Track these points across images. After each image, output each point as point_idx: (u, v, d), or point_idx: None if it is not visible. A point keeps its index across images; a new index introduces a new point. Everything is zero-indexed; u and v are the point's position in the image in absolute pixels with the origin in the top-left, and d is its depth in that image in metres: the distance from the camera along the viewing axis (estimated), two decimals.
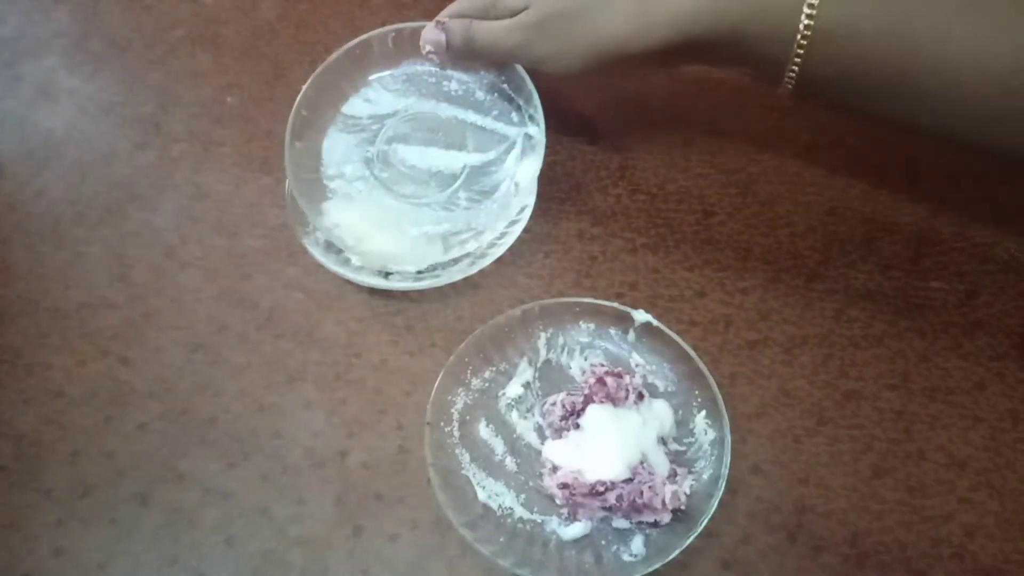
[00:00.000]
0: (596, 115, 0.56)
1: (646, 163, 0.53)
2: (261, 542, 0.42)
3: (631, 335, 0.45)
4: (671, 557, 0.38)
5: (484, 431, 0.44)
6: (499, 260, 0.48)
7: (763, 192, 0.51)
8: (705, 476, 0.41)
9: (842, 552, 0.40)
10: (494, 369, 0.46)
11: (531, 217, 0.49)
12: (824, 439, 0.43)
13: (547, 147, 0.54)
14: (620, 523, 0.40)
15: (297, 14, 0.62)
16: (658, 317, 0.44)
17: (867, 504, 0.41)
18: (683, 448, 0.43)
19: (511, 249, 0.48)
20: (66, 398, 0.47)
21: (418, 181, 0.50)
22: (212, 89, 0.58)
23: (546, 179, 0.52)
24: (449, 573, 0.41)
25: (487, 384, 0.45)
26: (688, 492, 0.40)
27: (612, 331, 0.45)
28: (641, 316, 0.44)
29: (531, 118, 0.49)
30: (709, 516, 0.39)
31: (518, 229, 0.48)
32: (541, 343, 0.46)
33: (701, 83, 0.56)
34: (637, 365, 0.44)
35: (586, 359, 0.45)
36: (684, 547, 0.38)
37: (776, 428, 0.44)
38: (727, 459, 0.40)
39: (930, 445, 0.43)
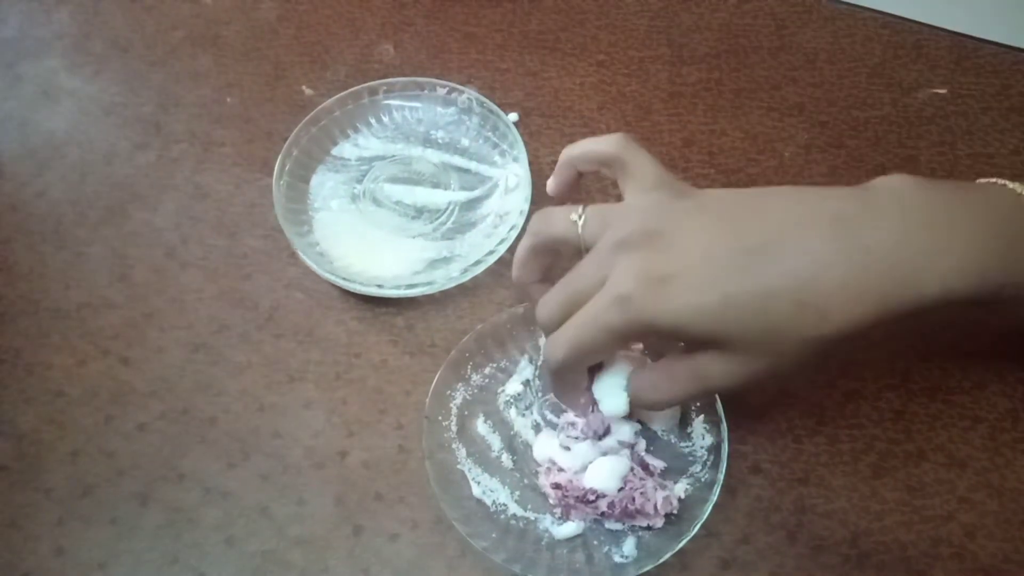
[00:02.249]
0: None
1: None
2: (261, 542, 0.42)
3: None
4: (662, 560, 0.38)
5: (482, 427, 0.44)
6: (500, 260, 0.48)
7: None
8: (701, 480, 0.41)
9: (842, 552, 0.40)
10: (494, 366, 0.46)
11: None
12: (824, 439, 0.43)
13: (547, 147, 0.54)
14: (613, 525, 0.41)
15: (298, 15, 0.62)
16: None
17: (867, 504, 0.41)
18: (681, 451, 0.43)
19: (511, 249, 0.48)
20: (66, 398, 0.47)
21: (404, 215, 0.51)
22: (213, 89, 0.58)
23: (546, 179, 0.52)
24: (449, 573, 0.41)
25: (487, 380, 0.45)
26: (683, 496, 0.40)
27: None
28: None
29: (515, 159, 0.51)
30: (702, 521, 0.39)
31: (503, 249, 0.48)
32: (542, 342, 0.46)
33: (701, 83, 0.56)
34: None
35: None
36: (676, 550, 0.38)
37: (776, 428, 0.44)
38: (723, 465, 0.40)
39: (930, 445, 0.43)
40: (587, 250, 0.35)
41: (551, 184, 0.40)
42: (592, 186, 0.52)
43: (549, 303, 0.36)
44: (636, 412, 0.42)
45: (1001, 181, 0.35)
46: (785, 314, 0.31)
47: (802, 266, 0.31)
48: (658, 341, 0.40)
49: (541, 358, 0.45)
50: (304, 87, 0.58)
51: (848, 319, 0.31)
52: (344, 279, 0.47)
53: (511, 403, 0.45)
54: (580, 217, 0.35)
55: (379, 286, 0.47)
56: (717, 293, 0.31)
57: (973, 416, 0.43)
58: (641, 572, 0.38)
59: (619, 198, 0.51)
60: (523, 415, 0.44)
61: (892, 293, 0.31)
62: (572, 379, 0.38)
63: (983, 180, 0.36)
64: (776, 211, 0.33)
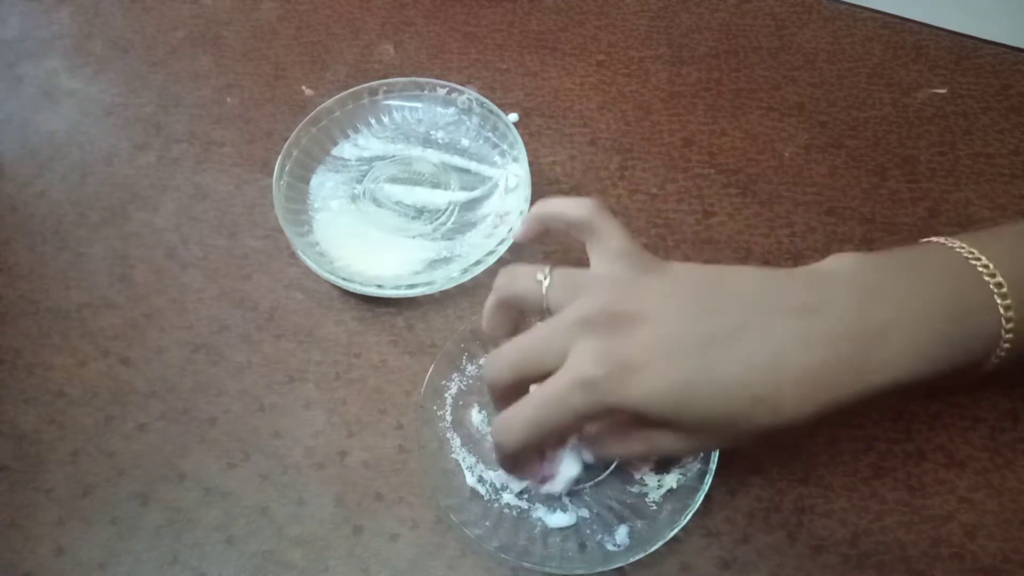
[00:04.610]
0: None
1: (646, 163, 0.53)
2: (261, 542, 0.42)
3: None
4: (654, 548, 0.38)
5: (476, 417, 0.44)
6: (500, 260, 0.48)
7: (763, 192, 0.51)
8: (694, 470, 0.41)
9: (842, 552, 0.40)
10: None
11: None
12: (824, 439, 0.43)
13: (547, 147, 0.54)
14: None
15: (298, 15, 0.62)
16: None
17: (867, 504, 0.41)
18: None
19: (511, 249, 0.48)
20: (67, 398, 0.47)
21: (404, 216, 0.51)
22: (213, 90, 0.58)
23: (546, 179, 0.52)
24: (449, 572, 0.41)
25: (482, 370, 0.45)
26: (675, 487, 0.41)
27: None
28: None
29: (515, 160, 0.51)
30: (694, 509, 0.39)
31: (503, 249, 0.48)
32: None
33: (701, 83, 0.56)
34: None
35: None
36: (668, 539, 0.38)
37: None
38: (716, 454, 0.40)
39: (930, 445, 0.43)
40: (550, 313, 0.35)
41: (519, 234, 0.40)
42: (592, 186, 0.52)
43: (500, 362, 0.35)
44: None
45: (946, 242, 0.36)
46: (740, 407, 0.32)
47: (761, 359, 0.32)
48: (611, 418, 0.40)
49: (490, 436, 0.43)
50: (304, 87, 0.58)
51: (799, 413, 0.32)
52: (344, 279, 0.47)
53: None
54: (546, 279, 0.36)
55: (379, 286, 0.47)
56: (679, 384, 0.32)
57: (973, 416, 0.43)
58: (633, 560, 0.39)
59: (619, 198, 0.51)
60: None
61: (843, 386, 0.33)
62: (520, 463, 0.37)
63: (925, 241, 0.37)
64: (739, 297, 0.34)
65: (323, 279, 0.48)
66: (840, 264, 0.35)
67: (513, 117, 0.55)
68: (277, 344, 0.48)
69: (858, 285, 0.34)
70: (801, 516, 0.41)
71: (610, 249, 0.36)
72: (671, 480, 0.41)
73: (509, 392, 0.35)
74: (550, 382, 0.33)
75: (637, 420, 0.35)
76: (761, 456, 0.43)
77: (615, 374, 0.32)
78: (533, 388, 0.36)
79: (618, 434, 0.37)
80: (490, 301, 0.38)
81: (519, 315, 0.38)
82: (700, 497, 0.39)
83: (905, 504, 0.41)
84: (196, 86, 0.59)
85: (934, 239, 0.37)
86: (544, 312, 0.36)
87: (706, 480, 0.39)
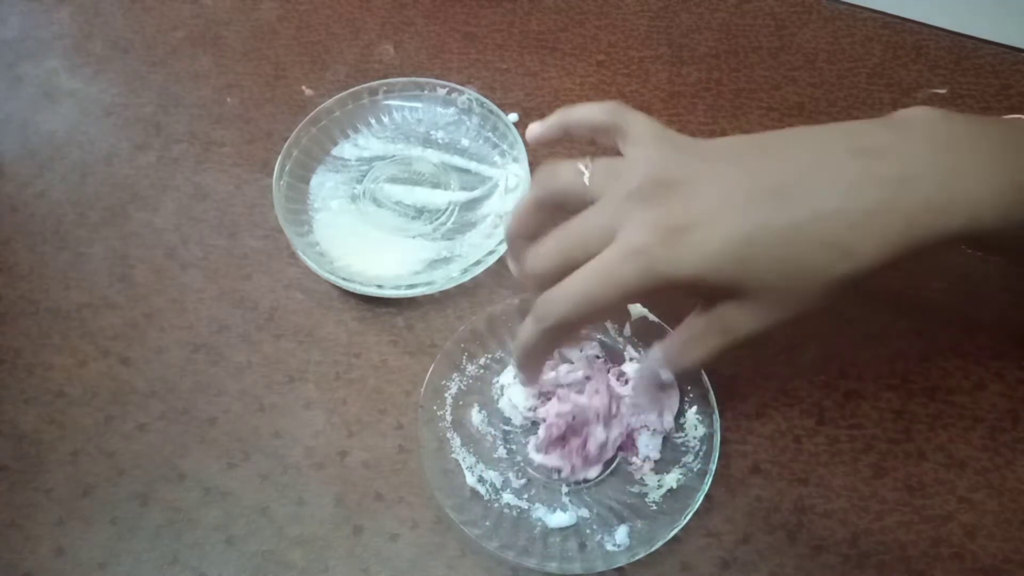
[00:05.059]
0: None
1: None
2: (261, 542, 0.42)
3: (627, 329, 0.45)
4: (654, 548, 0.38)
5: (476, 416, 0.44)
6: (500, 260, 0.48)
7: None
8: (694, 471, 0.41)
9: (842, 552, 0.40)
10: (489, 356, 0.46)
11: None
12: (824, 439, 0.43)
13: (547, 147, 0.54)
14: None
15: (298, 15, 0.62)
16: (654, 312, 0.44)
17: (867, 504, 0.41)
18: (674, 442, 0.43)
19: None
20: (67, 398, 0.47)
21: (404, 216, 0.51)
22: (213, 90, 0.58)
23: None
24: (449, 572, 0.41)
25: (482, 371, 0.45)
26: (675, 486, 0.41)
27: (608, 324, 0.45)
28: (637, 310, 0.44)
29: (515, 160, 0.51)
30: (694, 509, 0.39)
31: (503, 249, 0.48)
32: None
33: (701, 83, 0.56)
34: (631, 359, 0.45)
35: (581, 350, 0.45)
36: (668, 538, 0.39)
37: (776, 428, 0.44)
38: (715, 455, 0.40)
39: (930, 445, 0.43)
40: (594, 203, 0.33)
41: (536, 128, 0.38)
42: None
43: (546, 253, 0.33)
44: (645, 399, 0.41)
45: None
46: (810, 254, 0.30)
47: (825, 202, 0.30)
48: (670, 298, 0.35)
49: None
50: (304, 87, 0.58)
51: (874, 253, 0.30)
52: (344, 279, 0.47)
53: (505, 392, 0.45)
54: (587, 169, 0.33)
55: (379, 286, 0.47)
56: (738, 238, 0.30)
57: (973, 416, 0.43)
58: (633, 560, 0.39)
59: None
60: (517, 405, 0.44)
61: (918, 223, 0.30)
62: (550, 346, 0.35)
63: (1009, 116, 0.35)
64: (794, 149, 0.32)
65: (323, 279, 0.48)
66: (917, 113, 0.33)
67: (513, 117, 0.55)
68: (277, 344, 0.48)
69: (931, 131, 0.32)
70: (801, 516, 0.41)
71: (645, 136, 0.34)
72: (671, 480, 0.41)
73: (553, 284, 0.32)
74: (599, 256, 0.31)
75: (703, 308, 0.32)
76: (761, 455, 0.43)
77: (667, 239, 0.30)
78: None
79: (687, 332, 0.34)
80: (527, 199, 0.35)
81: (553, 217, 0.35)
82: (700, 497, 0.39)
83: (905, 504, 0.41)
84: (196, 86, 0.59)
85: (1009, 115, 0.35)
86: (589, 204, 0.33)
87: (706, 480, 0.40)
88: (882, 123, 0.33)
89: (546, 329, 0.33)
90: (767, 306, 0.31)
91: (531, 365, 0.37)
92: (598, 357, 0.43)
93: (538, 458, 0.42)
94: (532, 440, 0.43)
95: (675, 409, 0.43)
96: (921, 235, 0.30)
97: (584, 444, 0.41)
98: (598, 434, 0.40)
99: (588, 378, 0.42)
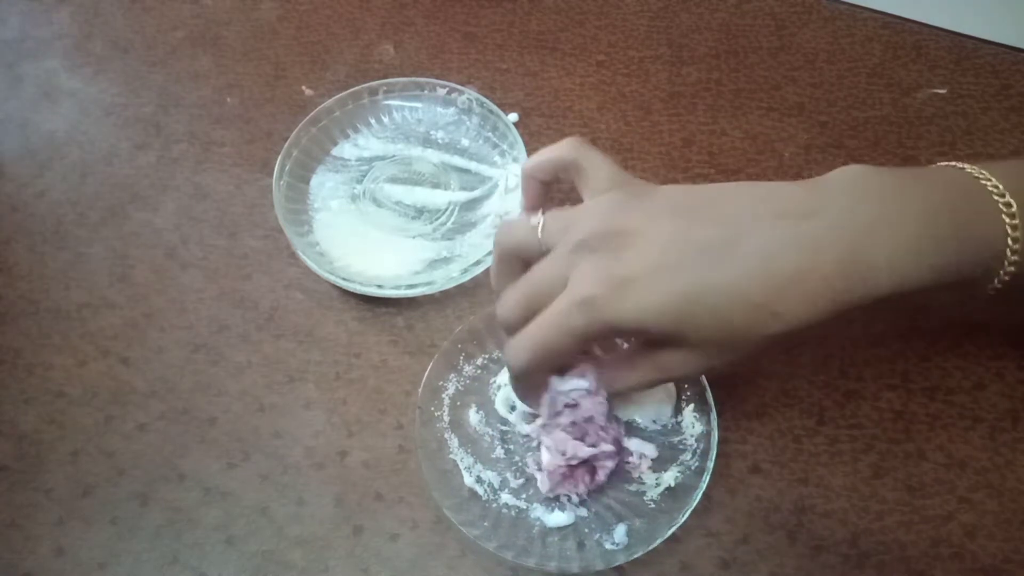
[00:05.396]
0: None
1: (646, 163, 0.53)
2: (261, 542, 0.42)
3: None
4: (652, 546, 0.39)
5: (474, 417, 0.44)
6: None
7: None
8: (691, 469, 0.41)
9: (842, 552, 0.40)
10: (487, 356, 0.46)
11: None
12: (824, 439, 0.43)
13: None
14: (604, 503, 0.41)
15: (298, 15, 0.62)
16: None
17: (867, 504, 0.41)
18: (671, 440, 0.43)
19: None
20: (67, 398, 0.47)
21: (404, 216, 0.51)
22: (213, 90, 0.58)
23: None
24: (449, 572, 0.41)
25: (479, 371, 0.45)
26: (673, 484, 0.41)
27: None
28: None
29: (515, 160, 0.51)
30: (692, 507, 0.39)
31: None
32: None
33: (701, 83, 0.56)
34: None
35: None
36: (666, 537, 0.39)
37: (776, 428, 0.44)
38: (713, 452, 0.40)
39: (930, 445, 0.43)
40: (547, 253, 0.36)
41: (522, 202, 0.41)
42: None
43: (508, 301, 0.36)
44: (623, 408, 0.42)
45: (958, 164, 0.35)
46: (739, 314, 0.32)
47: (756, 264, 0.32)
48: (615, 341, 0.41)
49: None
50: (304, 87, 0.58)
51: (799, 316, 0.32)
52: (344, 279, 0.47)
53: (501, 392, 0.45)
54: (539, 221, 0.36)
55: (379, 286, 0.47)
56: (676, 294, 0.32)
57: (973, 416, 0.43)
58: (632, 559, 0.39)
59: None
60: (515, 406, 0.44)
61: (842, 285, 0.31)
62: (535, 382, 0.38)
63: (941, 164, 0.36)
64: (729, 207, 0.33)
65: (323, 279, 0.48)
66: (840, 173, 0.34)
67: (513, 117, 0.55)
68: (277, 344, 0.48)
69: (855, 190, 0.33)
70: (801, 516, 0.41)
71: (599, 180, 0.36)
72: (669, 478, 0.41)
73: (520, 330, 0.35)
74: (551, 306, 0.34)
75: (644, 345, 0.35)
76: (761, 455, 0.43)
77: (612, 290, 0.32)
78: None
79: (627, 364, 0.36)
80: (493, 258, 0.38)
81: (522, 268, 0.38)
82: (698, 495, 0.39)
83: (905, 504, 0.41)
84: (196, 86, 0.59)
85: (944, 163, 0.36)
86: (543, 256, 0.36)
87: (704, 478, 0.40)
88: (811, 183, 0.34)
89: (517, 375, 0.36)
90: (702, 354, 0.34)
91: (527, 398, 0.40)
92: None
93: (546, 491, 0.42)
94: (538, 476, 0.42)
95: (670, 410, 0.43)
96: (845, 298, 0.32)
97: (592, 475, 0.41)
98: (608, 464, 0.40)
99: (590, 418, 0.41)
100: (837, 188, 0.33)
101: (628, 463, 0.42)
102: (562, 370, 0.38)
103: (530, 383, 0.38)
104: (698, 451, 0.41)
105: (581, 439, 0.39)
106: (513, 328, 0.36)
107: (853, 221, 0.32)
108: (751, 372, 0.45)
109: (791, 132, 0.54)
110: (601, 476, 0.40)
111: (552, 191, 0.41)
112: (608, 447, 0.39)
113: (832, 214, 0.32)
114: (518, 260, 0.38)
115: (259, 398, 0.46)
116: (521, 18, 0.60)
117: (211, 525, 0.43)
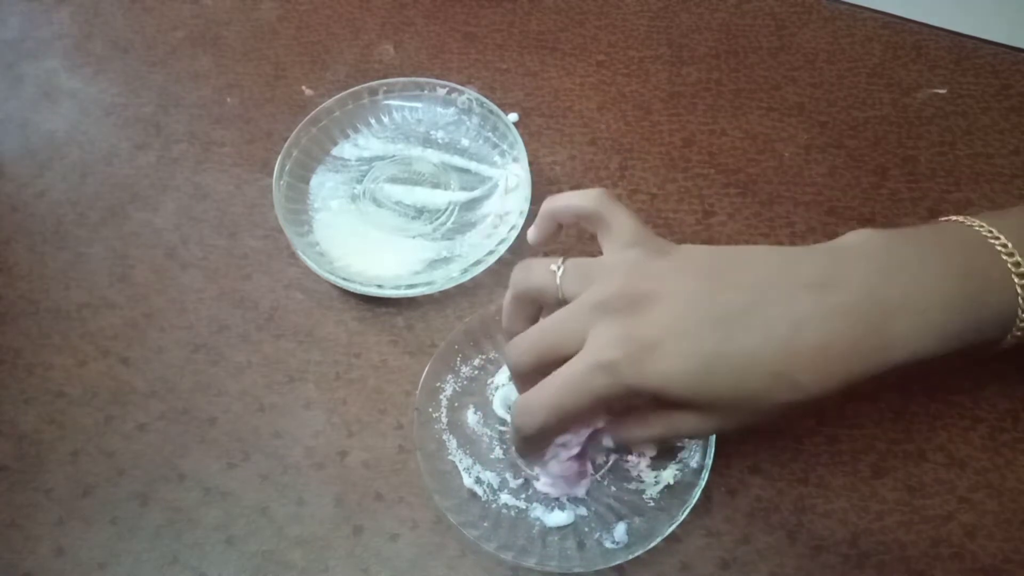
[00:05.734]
0: None
1: (646, 163, 0.53)
2: (261, 542, 0.42)
3: None
4: (652, 545, 0.39)
5: (472, 418, 0.44)
6: (500, 260, 0.48)
7: (763, 192, 0.51)
8: (690, 466, 0.41)
9: (842, 552, 0.40)
10: (484, 357, 0.46)
11: (532, 217, 0.49)
12: (824, 439, 0.43)
13: (547, 147, 0.54)
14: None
15: (298, 15, 0.62)
16: None
17: (867, 504, 0.41)
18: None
19: (511, 249, 0.48)
20: (67, 398, 0.47)
21: (404, 216, 0.51)
22: (213, 90, 0.58)
23: (546, 179, 0.52)
24: (449, 572, 0.41)
25: (476, 372, 0.45)
26: (672, 482, 0.41)
27: None
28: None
29: (515, 160, 0.51)
30: (692, 505, 0.39)
31: (503, 249, 0.48)
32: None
33: (701, 83, 0.56)
34: None
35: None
36: (666, 535, 0.39)
37: (776, 428, 0.44)
38: (712, 450, 0.40)
39: (930, 445, 0.43)
40: (565, 302, 0.35)
41: (532, 233, 0.41)
42: (592, 186, 0.52)
43: (522, 346, 0.35)
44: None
45: (960, 219, 0.36)
46: (761, 383, 0.32)
47: (778, 334, 0.32)
48: (633, 402, 0.39)
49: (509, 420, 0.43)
50: (304, 87, 0.58)
51: (819, 386, 0.32)
52: (344, 279, 0.47)
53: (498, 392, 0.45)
54: (559, 268, 0.36)
55: (379, 286, 0.47)
56: (698, 361, 0.32)
57: (973, 416, 0.43)
58: (632, 557, 0.39)
59: (619, 198, 0.51)
60: (510, 408, 0.44)
61: (861, 360, 0.33)
62: (538, 448, 0.37)
63: (944, 219, 0.37)
64: (751, 273, 0.34)
65: (323, 279, 0.48)
66: (857, 239, 0.35)
67: (513, 117, 0.55)
68: (277, 344, 0.48)
69: (873, 260, 0.34)
70: (801, 516, 0.41)
71: (622, 236, 0.36)
72: (668, 476, 0.41)
73: (531, 376, 0.35)
74: (569, 365, 0.33)
75: (657, 402, 0.35)
76: (761, 455, 0.43)
77: (633, 356, 0.32)
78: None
79: (638, 418, 0.36)
80: (507, 297, 0.38)
81: (536, 310, 0.38)
82: (697, 492, 0.39)
83: (905, 504, 0.41)
84: (196, 86, 0.59)
85: (953, 217, 0.37)
86: (560, 303, 0.36)
87: (703, 475, 0.40)
88: (830, 252, 0.35)
89: (528, 437, 0.35)
90: (717, 417, 0.34)
91: (531, 457, 0.41)
92: None
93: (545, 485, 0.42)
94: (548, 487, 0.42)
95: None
96: (863, 369, 0.33)
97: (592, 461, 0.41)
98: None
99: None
100: (856, 257, 0.34)
101: (627, 461, 0.42)
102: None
103: (539, 444, 0.37)
104: (697, 448, 0.41)
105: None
106: (523, 374, 0.36)
107: (873, 296, 0.33)
108: None
109: (791, 132, 0.54)
110: (607, 444, 0.40)
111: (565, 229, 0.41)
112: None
113: (854, 287, 0.33)
114: (532, 302, 0.38)
115: (259, 398, 0.46)
116: (521, 18, 0.60)
117: (211, 525, 0.43)
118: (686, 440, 0.42)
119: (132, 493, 0.44)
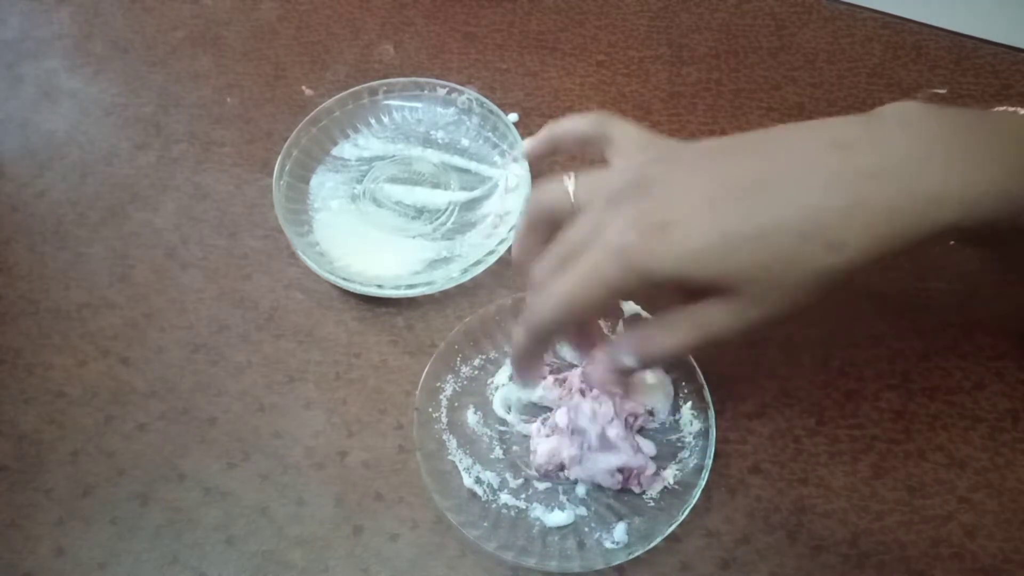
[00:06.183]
0: None
1: None
2: (261, 542, 0.42)
3: (620, 326, 0.45)
4: (652, 545, 0.39)
5: (472, 418, 0.44)
6: (500, 260, 0.48)
7: None
8: (690, 466, 0.41)
9: (842, 552, 0.40)
10: (484, 357, 0.46)
11: None
12: (824, 439, 0.43)
13: (544, 159, 0.54)
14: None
15: (298, 15, 0.62)
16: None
17: (867, 504, 0.41)
18: (670, 438, 0.43)
19: (512, 249, 0.48)
20: (67, 398, 0.47)
21: (404, 216, 0.51)
22: (213, 90, 0.58)
23: (547, 180, 0.52)
24: (449, 572, 0.41)
25: (476, 372, 0.45)
26: (672, 482, 0.41)
27: (601, 322, 0.45)
28: (630, 307, 0.44)
29: (515, 160, 0.51)
30: (691, 505, 0.39)
31: (503, 249, 0.48)
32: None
33: (701, 83, 0.56)
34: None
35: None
36: (666, 535, 0.39)
37: (776, 428, 0.44)
38: (711, 450, 0.40)
39: (930, 445, 0.43)
40: (581, 213, 0.33)
41: (528, 144, 0.39)
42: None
43: (544, 267, 0.33)
44: (631, 392, 0.41)
45: (1013, 109, 0.34)
46: (790, 248, 0.29)
47: (804, 198, 0.29)
48: (655, 295, 0.34)
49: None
50: (304, 87, 0.58)
51: (859, 246, 0.29)
52: (344, 279, 0.47)
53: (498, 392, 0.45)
54: (571, 180, 0.34)
55: (379, 286, 0.47)
56: (717, 233, 0.29)
57: (973, 416, 0.43)
58: (632, 557, 0.39)
59: None
60: (511, 407, 0.44)
61: (905, 214, 0.29)
62: (541, 349, 0.35)
63: (999, 109, 0.34)
64: (774, 146, 0.31)
65: (323, 279, 0.48)
66: (898, 107, 0.31)
67: (513, 117, 0.55)
68: (277, 344, 0.48)
69: (914, 121, 0.31)
70: (801, 516, 0.41)
71: (630, 144, 0.35)
72: (668, 476, 0.41)
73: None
74: (583, 256, 0.31)
75: (683, 298, 0.32)
76: (761, 455, 0.43)
77: (648, 236, 0.30)
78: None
79: (662, 323, 0.33)
80: (522, 222, 0.36)
81: (552, 233, 0.35)
82: (697, 492, 0.39)
83: (905, 504, 0.41)
84: (196, 86, 0.59)
85: (998, 108, 0.34)
86: (576, 215, 0.34)
87: (703, 475, 0.40)
88: (862, 118, 0.31)
89: (536, 331, 0.33)
90: (749, 302, 0.30)
91: (527, 367, 0.37)
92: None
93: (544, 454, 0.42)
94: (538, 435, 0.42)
95: (667, 407, 0.43)
96: (910, 229, 0.29)
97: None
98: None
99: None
100: (896, 126, 0.30)
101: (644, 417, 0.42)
102: (580, 335, 0.36)
103: (542, 346, 0.35)
104: (696, 448, 0.41)
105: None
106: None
107: (918, 163, 0.29)
108: (751, 372, 0.45)
109: None
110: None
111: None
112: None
113: (892, 153, 0.30)
114: (547, 225, 0.35)
115: (259, 398, 0.46)
116: (521, 18, 0.60)
117: (211, 525, 0.43)
118: (687, 440, 0.42)
119: (132, 493, 0.44)
